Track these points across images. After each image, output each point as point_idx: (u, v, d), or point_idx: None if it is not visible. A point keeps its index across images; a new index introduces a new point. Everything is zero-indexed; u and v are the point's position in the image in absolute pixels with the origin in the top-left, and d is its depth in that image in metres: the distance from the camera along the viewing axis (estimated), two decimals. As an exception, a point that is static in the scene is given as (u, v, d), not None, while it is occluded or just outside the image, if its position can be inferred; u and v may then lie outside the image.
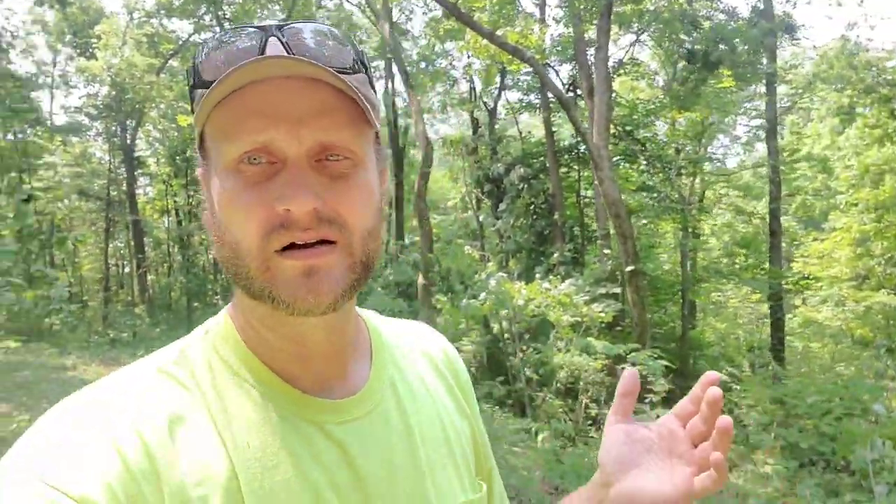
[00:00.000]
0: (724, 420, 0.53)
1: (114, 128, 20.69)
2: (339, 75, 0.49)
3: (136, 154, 21.45)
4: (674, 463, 0.56)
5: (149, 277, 21.18)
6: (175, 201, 21.61)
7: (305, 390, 0.55)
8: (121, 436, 0.48)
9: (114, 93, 19.44)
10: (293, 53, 0.49)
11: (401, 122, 17.76)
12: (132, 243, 20.67)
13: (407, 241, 15.76)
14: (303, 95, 0.49)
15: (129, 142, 20.91)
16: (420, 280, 10.95)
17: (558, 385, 7.74)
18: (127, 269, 21.60)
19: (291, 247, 0.50)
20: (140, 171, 21.87)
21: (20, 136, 18.61)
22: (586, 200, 16.43)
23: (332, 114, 0.50)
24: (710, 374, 0.55)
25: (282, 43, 0.50)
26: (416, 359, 0.69)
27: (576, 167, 16.22)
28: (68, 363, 10.97)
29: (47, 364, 10.60)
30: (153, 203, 23.32)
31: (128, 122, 20.52)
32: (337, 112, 0.50)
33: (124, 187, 20.62)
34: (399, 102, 17.80)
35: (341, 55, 0.51)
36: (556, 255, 13.08)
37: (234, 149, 0.50)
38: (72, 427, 0.49)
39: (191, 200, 19.70)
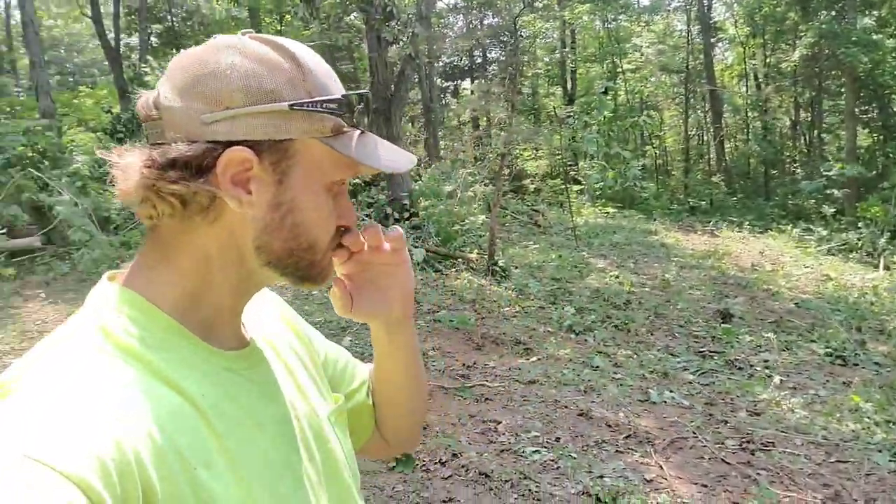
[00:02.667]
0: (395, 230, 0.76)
1: (692, -2, 20.78)
2: None
3: (713, 20, 21.09)
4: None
5: (726, 146, 21.22)
6: (753, 64, 20.53)
7: (221, 347, 0.64)
8: (95, 410, 0.49)
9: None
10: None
11: None
12: (710, 113, 20.96)
13: None
14: None
15: (706, 8, 20.73)
16: None
17: None
18: (706, 139, 22.10)
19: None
20: (717, 37, 21.51)
21: (611, 24, 20.90)
22: None
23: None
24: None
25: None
26: (262, 305, 0.79)
27: None
28: (652, 228, 12.46)
29: (636, 228, 12.29)
30: (731, 69, 22.77)
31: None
32: None
33: (701, 57, 20.76)
34: None
35: None
36: None
37: (339, 174, 0.65)
38: (41, 407, 0.48)
39: (768, 61, 18.31)
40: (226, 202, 0.59)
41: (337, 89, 0.63)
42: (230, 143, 0.57)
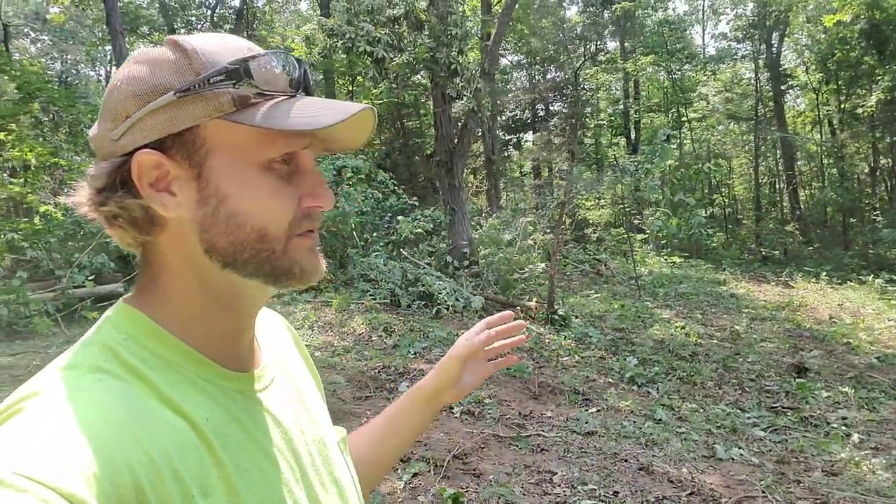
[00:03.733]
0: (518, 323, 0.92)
1: (759, 45, 20.54)
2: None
3: (783, 67, 20.70)
4: (478, 361, 0.98)
5: (800, 194, 20.44)
6: (826, 110, 19.89)
7: (230, 367, 0.62)
8: (95, 430, 0.48)
9: (758, 9, 19.23)
10: (310, 91, 0.61)
11: None
12: (781, 160, 20.32)
13: None
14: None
15: (774, 55, 20.41)
16: None
17: None
18: (778, 187, 21.36)
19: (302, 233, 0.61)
20: (787, 84, 21.06)
21: (676, 74, 20.85)
22: None
23: (322, 139, 0.62)
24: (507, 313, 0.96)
25: (310, 83, 0.61)
26: (274, 329, 0.78)
27: None
28: (721, 278, 12.04)
29: (704, 278, 11.92)
30: (803, 115, 22.13)
31: (773, 35, 19.97)
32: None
33: (771, 104, 20.31)
34: None
35: None
36: None
37: (274, 149, 0.57)
38: (42, 427, 0.47)
39: (843, 106, 17.71)
40: (158, 211, 0.57)
41: (226, 61, 0.56)
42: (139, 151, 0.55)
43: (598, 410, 4.94)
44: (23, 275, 7.32)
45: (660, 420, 4.77)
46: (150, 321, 0.59)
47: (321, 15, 13.76)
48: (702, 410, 5.05)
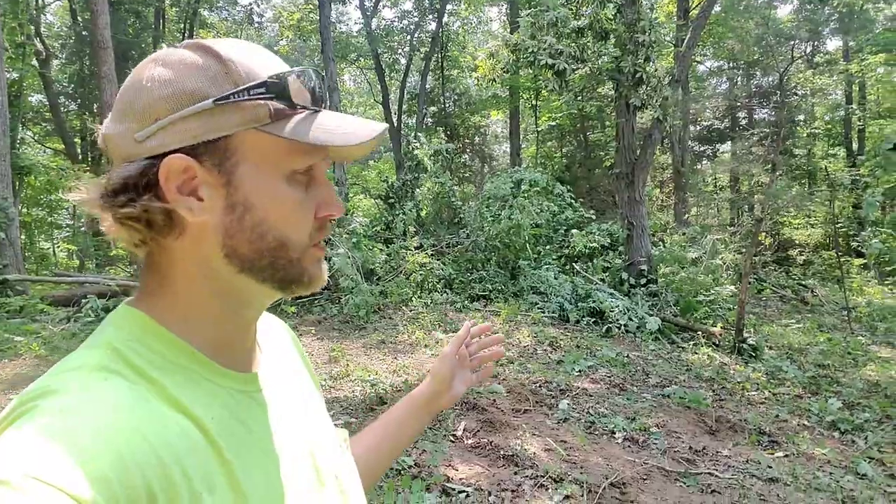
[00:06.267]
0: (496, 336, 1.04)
1: None
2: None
3: None
4: (465, 368, 1.06)
5: None
6: None
7: (233, 368, 0.63)
8: (103, 430, 0.48)
9: None
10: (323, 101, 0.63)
11: None
12: None
13: None
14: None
15: None
16: None
17: None
18: None
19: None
20: None
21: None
22: None
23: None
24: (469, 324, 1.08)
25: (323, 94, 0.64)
26: (276, 333, 0.79)
27: None
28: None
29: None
30: None
31: None
32: None
33: None
34: None
35: None
36: None
37: (298, 161, 0.59)
38: (49, 428, 0.47)
39: None
40: (182, 215, 0.57)
41: (264, 73, 0.58)
42: (167, 155, 0.56)
43: (786, 456, 4.34)
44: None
45: (864, 475, 4.06)
46: (154, 323, 0.59)
47: (510, 32, 14.09)
48: (924, 471, 4.19)
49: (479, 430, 4.41)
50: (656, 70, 9.31)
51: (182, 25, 20.98)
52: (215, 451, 0.55)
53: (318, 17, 16.64)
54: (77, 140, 19.63)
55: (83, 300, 7.61)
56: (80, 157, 18.76)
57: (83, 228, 16.73)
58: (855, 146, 19.69)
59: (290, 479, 0.61)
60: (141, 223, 0.58)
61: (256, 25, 25.57)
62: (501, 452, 4.06)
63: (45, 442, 0.46)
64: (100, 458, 0.46)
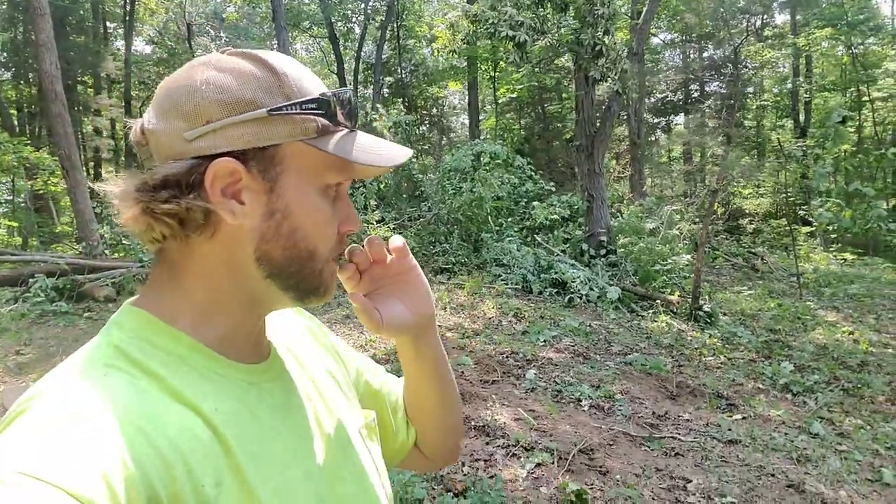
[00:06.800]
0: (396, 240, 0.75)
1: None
2: None
3: None
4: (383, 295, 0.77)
5: None
6: None
7: (239, 360, 0.63)
8: (101, 425, 0.48)
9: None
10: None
11: None
12: None
13: None
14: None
15: None
16: None
17: None
18: None
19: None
20: None
21: (857, 48, 18.39)
22: None
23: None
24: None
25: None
26: (285, 319, 0.79)
27: None
28: (907, 279, 10.53)
29: (881, 278, 10.51)
30: None
31: None
32: None
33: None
34: None
35: None
36: None
37: (333, 176, 0.63)
38: (45, 425, 0.47)
39: None
40: (221, 216, 0.58)
41: (315, 91, 0.61)
42: (215, 157, 0.57)
43: (744, 418, 4.53)
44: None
45: (816, 434, 4.27)
46: (156, 319, 0.60)
47: (467, 2, 13.91)
48: (868, 427, 4.44)
49: (449, 403, 4.44)
50: (615, 43, 9.35)
51: (123, -10, 19.90)
52: (220, 441, 0.55)
53: (269, -17, 16.02)
54: (13, 111, 18.57)
55: (31, 279, 7.27)
56: (17, 129, 17.76)
57: (23, 204, 15.92)
58: (802, 118, 20.35)
59: (302, 468, 0.61)
60: (175, 220, 0.58)
61: (203, -9, 24.49)
62: (472, 423, 4.10)
63: (42, 439, 0.45)
64: (98, 453, 0.46)
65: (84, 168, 12.38)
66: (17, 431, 0.47)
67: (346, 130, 0.63)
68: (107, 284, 7.48)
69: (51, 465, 0.43)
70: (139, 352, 0.57)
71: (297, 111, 0.59)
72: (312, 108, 0.59)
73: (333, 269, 0.67)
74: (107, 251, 9.15)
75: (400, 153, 0.65)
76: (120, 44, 20.05)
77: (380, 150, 0.63)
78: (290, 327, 0.79)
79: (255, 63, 0.60)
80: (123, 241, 9.15)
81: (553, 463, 3.62)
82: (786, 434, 4.23)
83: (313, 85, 0.62)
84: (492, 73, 21.15)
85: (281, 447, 0.60)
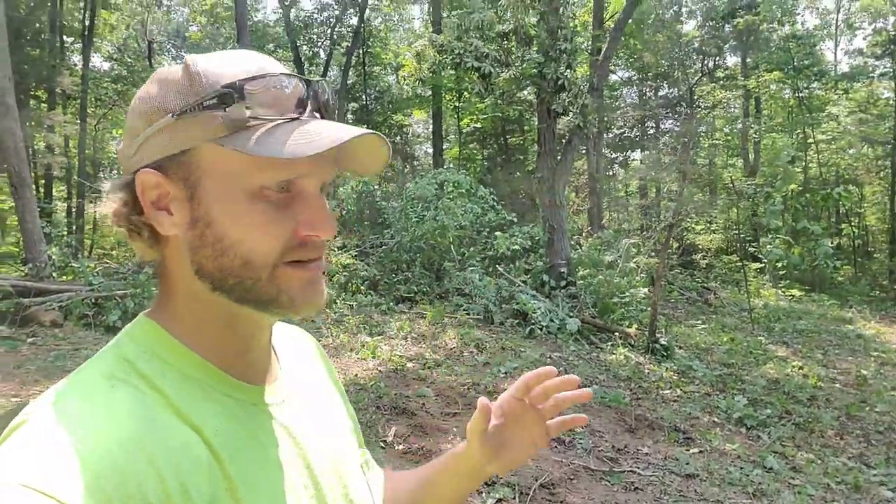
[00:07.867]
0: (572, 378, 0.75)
1: (902, 62, 18.70)
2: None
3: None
4: (526, 427, 0.80)
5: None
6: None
7: (244, 380, 0.61)
8: (101, 439, 0.48)
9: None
10: (326, 112, 0.59)
11: None
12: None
13: None
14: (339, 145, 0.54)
15: (921, 73, 18.47)
16: None
17: None
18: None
19: (297, 261, 0.57)
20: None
21: (803, 92, 19.40)
22: None
23: (337, 161, 0.61)
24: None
25: (323, 103, 0.59)
26: (300, 346, 0.77)
27: None
28: (847, 316, 10.98)
29: (827, 315, 10.92)
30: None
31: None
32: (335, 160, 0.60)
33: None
34: None
35: None
36: None
37: (265, 178, 0.54)
38: (46, 437, 0.47)
39: None
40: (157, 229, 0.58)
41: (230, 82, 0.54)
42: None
43: (701, 451, 4.59)
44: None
45: (770, 469, 4.36)
46: (166, 333, 0.59)
47: (433, 32, 14.11)
48: (820, 462, 4.57)
49: (409, 435, 4.37)
50: (577, 78, 9.62)
51: (81, 4, 19.49)
52: (218, 462, 0.54)
53: (233, 4, 15.96)
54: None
55: (-30, 302, 6.89)
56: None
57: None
58: (751, 157, 21.24)
59: (298, 494, 0.59)
60: (136, 237, 0.59)
61: (165, 8, 24.21)
62: (433, 457, 4.05)
63: (38, 450, 0.46)
64: (94, 465, 0.46)
65: (34, 186, 11.90)
66: (19, 441, 0.47)
67: (279, 122, 0.54)
68: (53, 308, 7.15)
69: (46, 475, 0.44)
70: (147, 365, 0.56)
71: (201, 110, 0.54)
72: (214, 103, 0.53)
73: (298, 275, 0.57)
74: (55, 273, 8.78)
75: (334, 136, 0.53)
76: (77, 58, 19.55)
77: (311, 139, 0.53)
78: (301, 354, 0.76)
79: (184, 66, 0.56)
80: (72, 264, 8.80)
81: (514, 498, 3.59)
82: (741, 468, 4.31)
83: (229, 77, 0.54)
84: (456, 103, 21.44)
85: (278, 471, 0.58)
